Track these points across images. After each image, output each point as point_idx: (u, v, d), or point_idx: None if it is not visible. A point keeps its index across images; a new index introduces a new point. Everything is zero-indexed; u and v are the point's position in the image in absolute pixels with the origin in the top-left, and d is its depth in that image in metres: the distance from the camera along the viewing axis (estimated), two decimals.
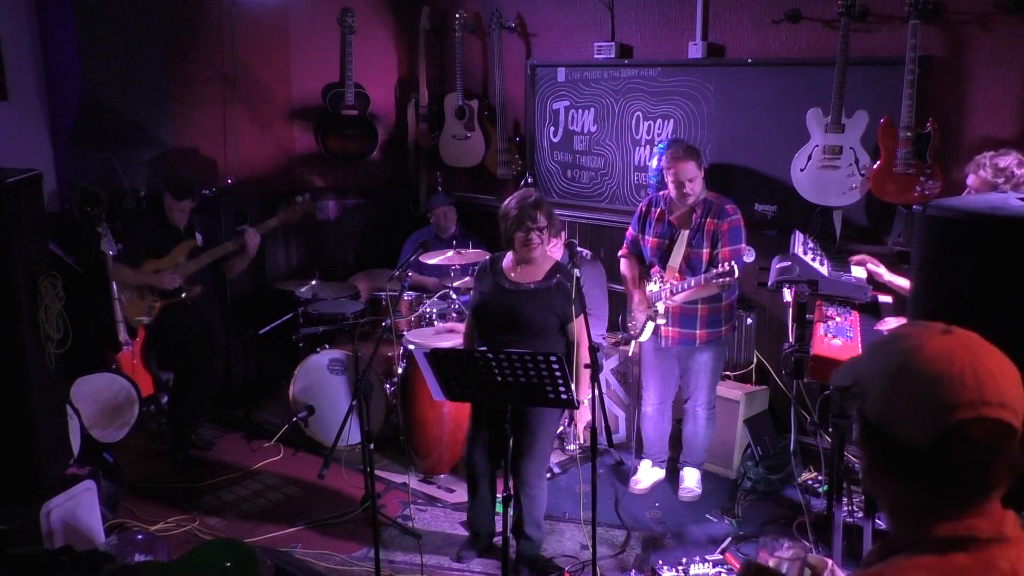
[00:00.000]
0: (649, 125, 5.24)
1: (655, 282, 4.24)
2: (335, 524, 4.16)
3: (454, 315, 5.05)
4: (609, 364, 4.96)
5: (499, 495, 3.33)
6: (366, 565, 3.75)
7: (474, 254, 5.04)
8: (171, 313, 4.67)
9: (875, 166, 4.15)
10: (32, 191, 3.41)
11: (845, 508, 3.64)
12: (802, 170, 4.39)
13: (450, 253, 5.09)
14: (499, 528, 3.69)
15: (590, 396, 3.39)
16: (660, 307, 4.19)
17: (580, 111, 5.59)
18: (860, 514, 3.67)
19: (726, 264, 3.85)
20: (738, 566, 3.70)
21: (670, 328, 4.24)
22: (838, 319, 3.34)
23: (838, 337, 3.16)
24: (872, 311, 3.57)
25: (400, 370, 4.73)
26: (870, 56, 4.25)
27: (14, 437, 3.33)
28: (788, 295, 3.53)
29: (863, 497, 3.71)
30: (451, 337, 4.65)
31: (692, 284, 4.04)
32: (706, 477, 4.53)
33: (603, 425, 3.33)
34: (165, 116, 5.44)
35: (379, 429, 4.92)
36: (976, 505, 1.13)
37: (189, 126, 5.59)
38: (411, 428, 4.65)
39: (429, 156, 6.31)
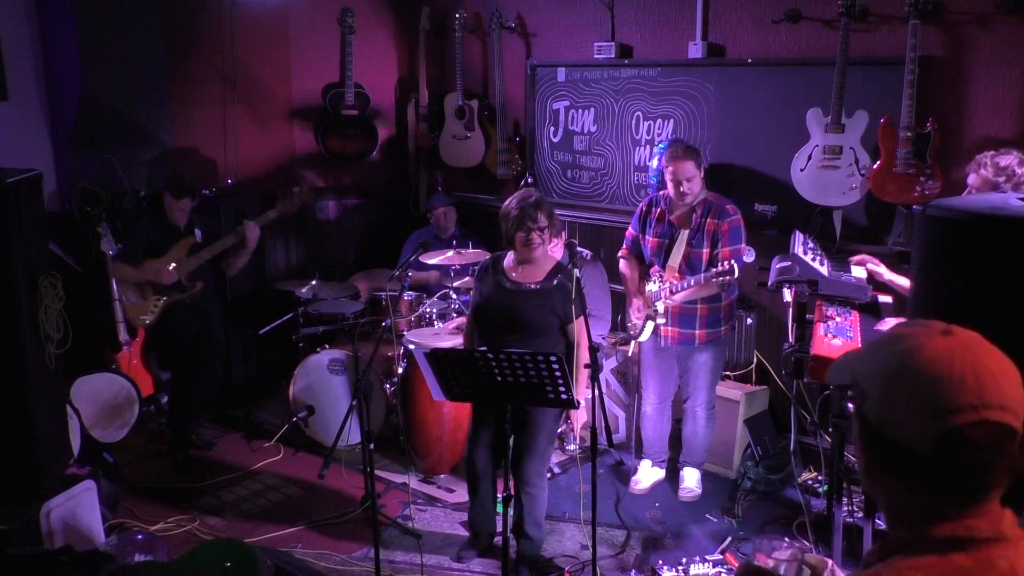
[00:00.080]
0: (649, 125, 5.24)
1: (655, 282, 4.24)
2: (335, 524, 4.16)
3: (454, 315, 5.05)
4: (609, 364, 4.97)
5: (499, 495, 3.33)
6: (366, 565, 3.75)
7: (474, 254, 5.04)
8: (171, 312, 4.68)
9: (875, 166, 4.15)
10: (32, 191, 3.40)
11: (845, 508, 3.64)
12: (802, 170, 4.39)
13: (450, 253, 5.09)
14: (499, 528, 3.68)
15: (588, 396, 3.39)
16: (660, 306, 4.19)
17: (580, 111, 5.59)
18: (860, 514, 3.67)
19: (726, 263, 3.85)
20: (737, 566, 3.70)
21: (669, 328, 4.24)
22: (838, 319, 3.33)
23: (838, 337, 3.15)
24: (872, 311, 3.57)
25: (400, 370, 4.73)
26: (870, 56, 4.24)
27: (14, 437, 3.32)
28: (788, 295, 3.53)
29: (863, 497, 3.71)
30: (458, 335, 4.65)
31: (692, 283, 4.04)
32: (706, 477, 4.53)
33: (603, 425, 3.33)
34: (165, 116, 5.43)
35: (379, 429, 4.92)
36: (975, 505, 1.13)
37: (189, 126, 5.59)
38: (411, 428, 4.65)
39: (429, 156, 6.31)
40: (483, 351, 3.08)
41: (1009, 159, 3.34)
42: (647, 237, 4.32)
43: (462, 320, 4.80)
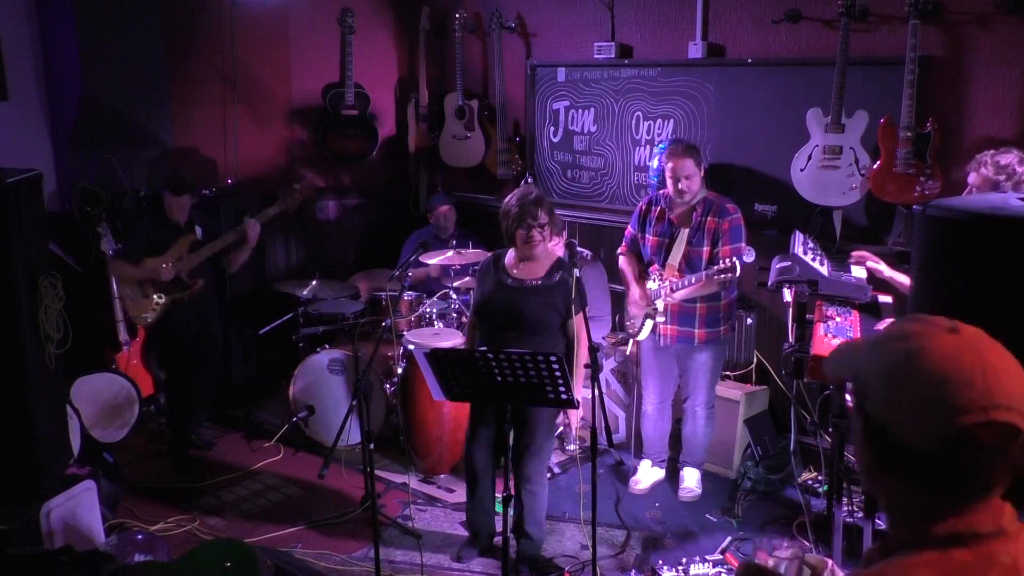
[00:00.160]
0: (649, 125, 5.24)
1: (654, 280, 4.24)
2: (335, 524, 4.16)
3: (454, 315, 5.05)
4: (609, 364, 4.96)
5: (499, 495, 3.33)
6: (366, 565, 3.75)
7: (474, 254, 5.04)
8: (171, 311, 4.67)
9: (875, 166, 4.15)
10: (32, 191, 3.40)
11: (845, 508, 3.64)
12: (802, 170, 4.39)
13: (450, 253, 5.09)
14: (499, 528, 3.68)
15: (588, 395, 3.39)
16: (659, 304, 4.19)
17: (580, 111, 5.59)
18: (860, 514, 3.67)
19: (728, 260, 3.85)
20: (738, 565, 3.70)
21: (669, 326, 4.24)
22: (838, 319, 3.33)
23: (838, 337, 3.15)
24: (872, 311, 3.57)
25: (400, 370, 4.73)
26: (870, 56, 4.24)
27: (14, 437, 3.32)
28: (788, 295, 3.53)
29: (863, 497, 3.71)
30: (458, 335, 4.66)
31: (693, 281, 4.03)
32: (706, 477, 4.53)
33: (603, 425, 3.33)
34: (165, 116, 5.43)
35: (379, 429, 4.92)
36: (977, 503, 1.12)
37: (189, 126, 5.59)
38: (411, 428, 4.65)
39: (429, 156, 6.31)
40: (483, 351, 3.09)
41: (1009, 158, 3.34)
42: (647, 236, 4.32)
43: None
